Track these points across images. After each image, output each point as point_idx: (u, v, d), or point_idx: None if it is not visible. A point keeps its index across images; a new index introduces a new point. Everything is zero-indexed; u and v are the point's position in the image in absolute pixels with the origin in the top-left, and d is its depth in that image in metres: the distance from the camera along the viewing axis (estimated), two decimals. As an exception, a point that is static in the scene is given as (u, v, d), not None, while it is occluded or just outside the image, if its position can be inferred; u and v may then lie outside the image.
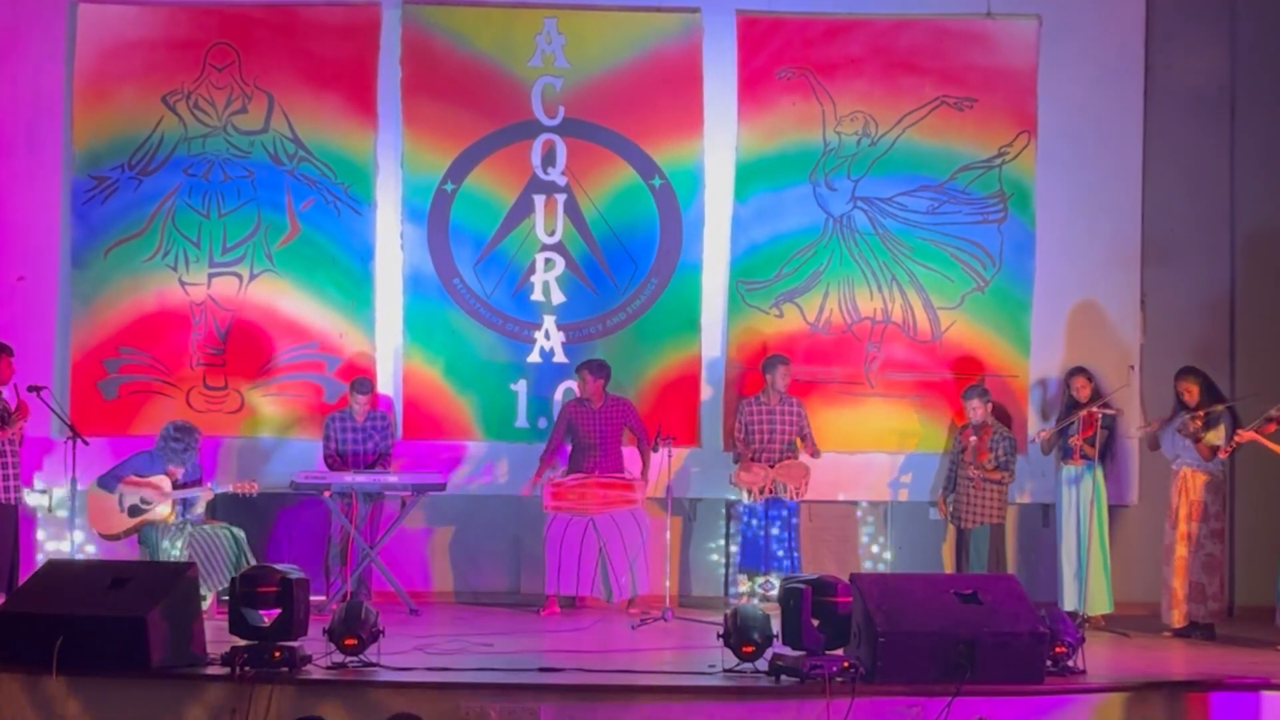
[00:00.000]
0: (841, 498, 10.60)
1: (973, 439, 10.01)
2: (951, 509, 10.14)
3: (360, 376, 10.31)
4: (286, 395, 10.57)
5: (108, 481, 9.51)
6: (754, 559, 10.11)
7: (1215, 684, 7.16)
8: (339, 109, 10.60)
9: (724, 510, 10.54)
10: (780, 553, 10.04)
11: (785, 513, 10.09)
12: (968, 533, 10.00)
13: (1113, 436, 9.96)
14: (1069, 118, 10.57)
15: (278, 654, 7.02)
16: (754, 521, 10.12)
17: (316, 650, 7.30)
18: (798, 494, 10.05)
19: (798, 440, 10.23)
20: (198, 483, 9.67)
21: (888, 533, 10.67)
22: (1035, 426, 10.37)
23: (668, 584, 9.83)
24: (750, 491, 10.10)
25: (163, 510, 9.45)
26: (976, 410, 10.05)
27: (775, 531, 10.05)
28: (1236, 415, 9.28)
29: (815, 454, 10.20)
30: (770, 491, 10.05)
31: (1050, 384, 10.47)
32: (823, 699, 6.78)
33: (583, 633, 9.18)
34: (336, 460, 10.08)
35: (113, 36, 10.53)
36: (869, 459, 10.56)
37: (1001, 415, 10.31)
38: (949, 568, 10.34)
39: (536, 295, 10.67)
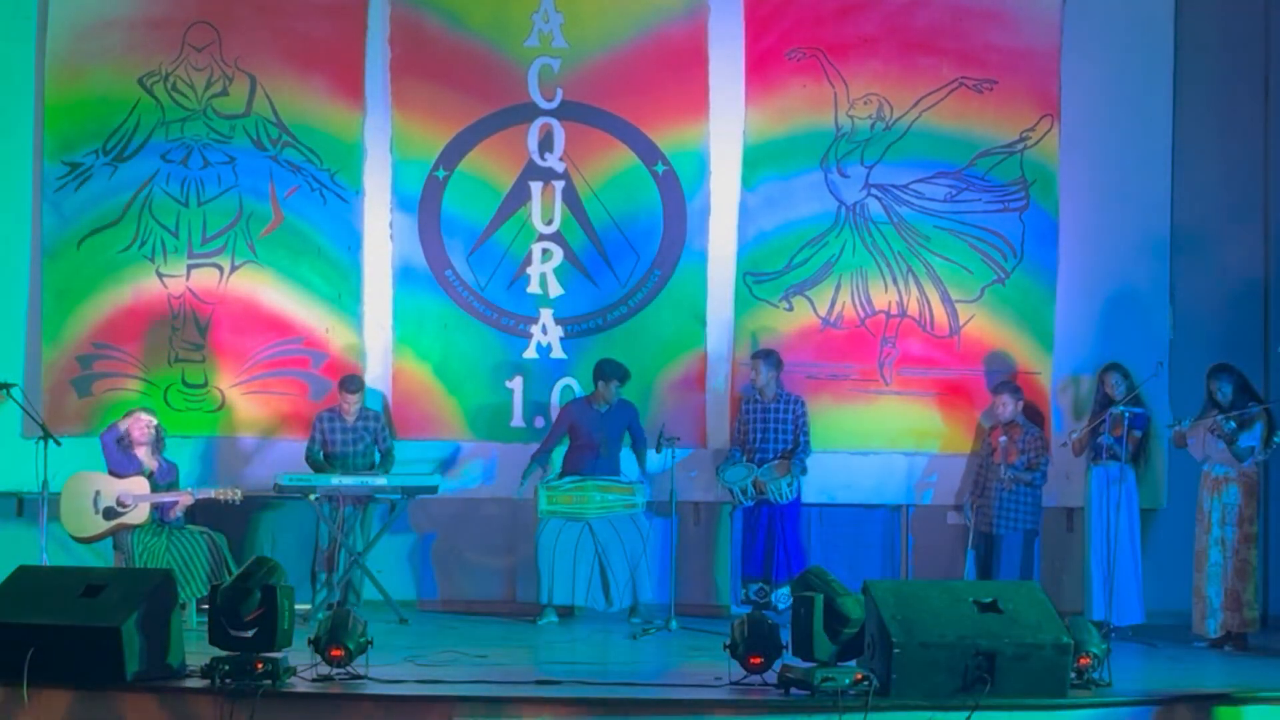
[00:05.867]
0: (855, 500, 10.59)
1: (1002, 439, 9.99)
2: (979, 514, 10.11)
3: (350, 374, 10.31)
4: (270, 393, 10.57)
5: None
6: (749, 565, 10.11)
7: (1248, 697, 7.15)
8: (325, 91, 10.59)
9: (729, 514, 10.52)
10: (773, 558, 10.03)
11: (779, 515, 10.07)
12: (998, 540, 9.97)
13: (1145, 437, 9.93)
14: (1094, 100, 10.55)
15: (260, 666, 7.00)
16: (747, 525, 10.12)
17: (301, 662, 7.30)
18: (779, 495, 10.02)
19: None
20: (174, 485, 9.67)
21: (904, 538, 10.65)
22: (1062, 426, 10.33)
23: (671, 591, 9.83)
24: (734, 493, 10.09)
25: (139, 514, 9.44)
26: (1007, 406, 10.02)
27: (768, 536, 10.03)
28: (1272, 415, 9.27)
29: (801, 466, 10.14)
30: (760, 493, 10.04)
31: (1082, 381, 10.43)
32: (834, 713, 6.77)
33: (581, 643, 9.17)
34: (321, 462, 10.07)
35: (87, 15, 10.52)
36: (885, 460, 10.55)
37: (1032, 414, 10.28)
38: (970, 576, 10.29)
39: (533, 288, 10.66)
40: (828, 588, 7.14)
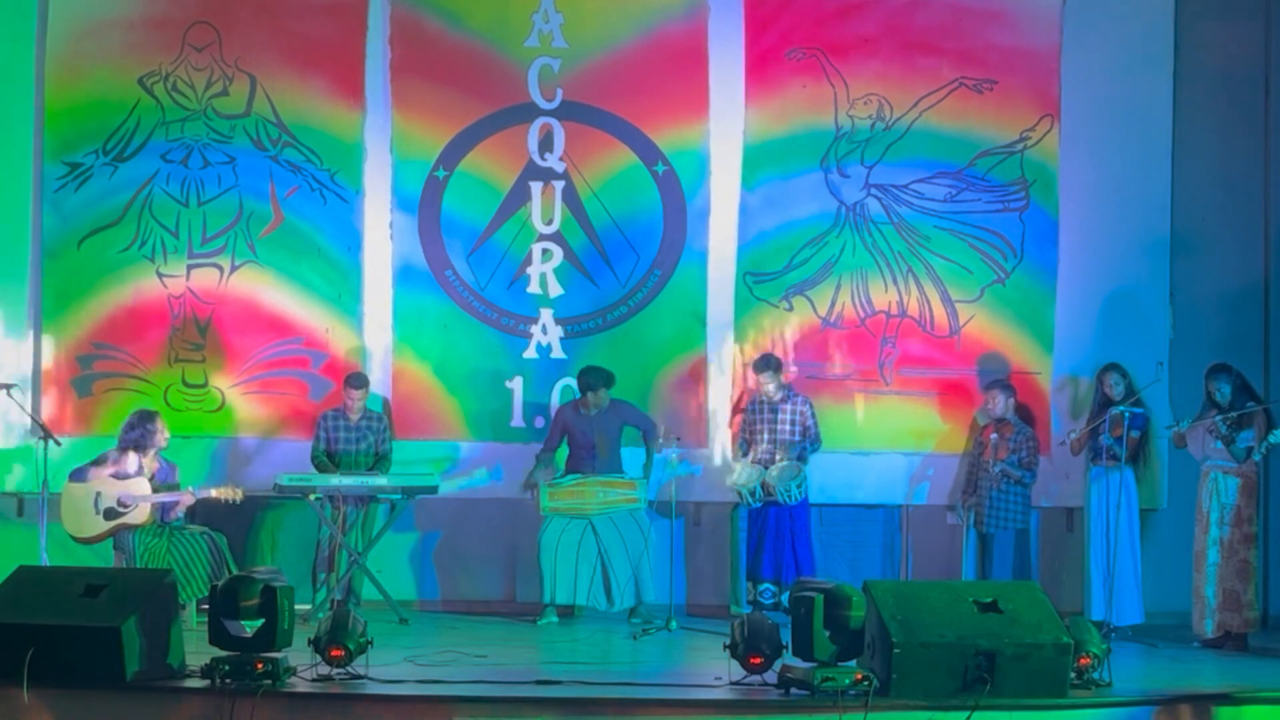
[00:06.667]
0: (855, 500, 10.58)
1: (993, 436, 9.99)
2: (973, 513, 10.11)
3: (355, 371, 10.31)
4: (270, 393, 10.57)
5: (79, 474, 9.49)
6: (756, 566, 10.11)
7: (1248, 697, 7.15)
8: (325, 91, 10.59)
9: (730, 515, 10.52)
10: (782, 559, 10.03)
11: (787, 516, 10.07)
12: (990, 539, 9.97)
13: (1145, 437, 9.92)
14: (1094, 100, 10.55)
15: (260, 666, 7.01)
16: (754, 526, 10.12)
17: (301, 662, 7.29)
18: (788, 496, 10.02)
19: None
20: (176, 486, 9.67)
21: (904, 538, 10.65)
22: (1060, 426, 10.34)
23: (671, 592, 9.82)
24: (741, 494, 10.09)
25: (140, 514, 9.44)
26: (997, 402, 10.02)
27: (776, 537, 10.03)
28: (1271, 415, 9.27)
29: (800, 451, 10.15)
30: (768, 494, 10.04)
31: (1081, 381, 10.43)
32: (834, 713, 6.77)
33: (581, 643, 9.17)
34: (326, 460, 10.07)
35: (87, 15, 10.51)
36: (884, 459, 10.55)
37: (1024, 414, 10.29)
38: (968, 575, 10.30)
39: (533, 288, 10.65)
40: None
